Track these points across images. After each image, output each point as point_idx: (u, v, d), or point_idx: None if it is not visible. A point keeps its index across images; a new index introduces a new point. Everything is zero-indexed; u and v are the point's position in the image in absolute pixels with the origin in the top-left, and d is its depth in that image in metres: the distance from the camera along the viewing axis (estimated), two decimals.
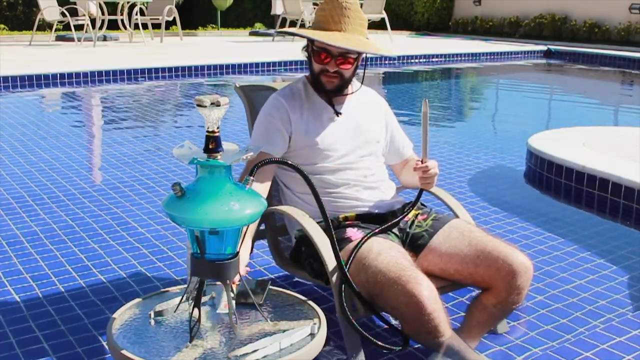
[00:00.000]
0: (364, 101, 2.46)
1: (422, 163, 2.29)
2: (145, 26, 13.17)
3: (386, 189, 2.40)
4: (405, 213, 2.30)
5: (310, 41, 2.29)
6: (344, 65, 2.26)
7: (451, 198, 2.55)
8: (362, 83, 2.48)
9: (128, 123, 6.54)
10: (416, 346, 2.26)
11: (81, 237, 3.30)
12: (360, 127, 2.38)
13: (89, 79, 8.70)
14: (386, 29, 14.10)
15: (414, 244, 2.28)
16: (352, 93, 2.41)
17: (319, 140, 2.30)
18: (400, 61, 11.66)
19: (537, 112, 7.98)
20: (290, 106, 2.33)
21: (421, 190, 2.36)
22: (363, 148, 2.37)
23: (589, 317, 2.59)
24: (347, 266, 2.04)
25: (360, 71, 2.40)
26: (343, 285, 2.02)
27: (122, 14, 12.97)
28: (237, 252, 1.67)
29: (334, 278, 2.04)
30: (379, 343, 2.01)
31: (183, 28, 14.20)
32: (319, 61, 2.27)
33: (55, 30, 13.06)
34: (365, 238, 2.12)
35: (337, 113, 2.36)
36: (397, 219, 2.27)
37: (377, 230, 2.18)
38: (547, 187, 4.44)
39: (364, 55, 2.37)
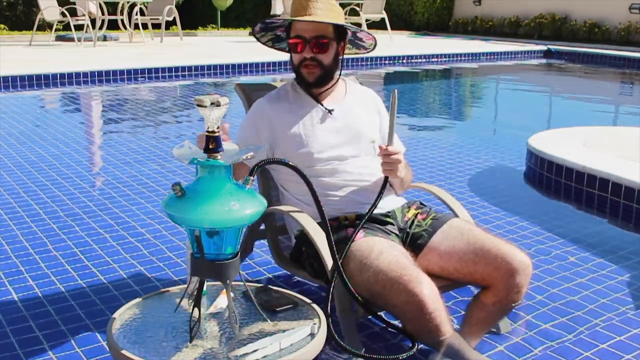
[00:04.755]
0: (357, 98, 2.44)
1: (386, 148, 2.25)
2: (145, 26, 13.18)
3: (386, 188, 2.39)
4: (375, 203, 2.23)
5: (287, 37, 2.30)
6: (320, 50, 2.25)
7: (451, 198, 2.56)
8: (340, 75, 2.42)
9: (128, 123, 6.54)
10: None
11: (81, 237, 3.30)
12: (355, 126, 2.36)
13: (89, 79, 8.71)
14: (386, 29, 14.10)
15: (414, 244, 2.28)
16: (335, 82, 2.37)
17: (311, 143, 2.28)
18: (401, 61, 11.66)
19: (537, 112, 7.98)
20: (274, 110, 2.31)
21: (386, 178, 2.27)
22: (358, 147, 2.35)
23: (589, 316, 2.59)
24: (341, 259, 2.03)
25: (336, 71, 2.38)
26: (333, 291, 2.00)
27: (122, 14, 12.98)
28: (237, 252, 1.67)
29: (335, 280, 2.03)
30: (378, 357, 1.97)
31: (183, 28, 14.21)
32: (295, 50, 2.27)
33: (55, 30, 13.07)
34: (356, 232, 2.12)
35: (329, 111, 2.34)
36: (368, 211, 2.20)
37: (357, 231, 2.14)
38: (547, 187, 4.44)
39: (345, 56, 2.35)
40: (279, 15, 14.34)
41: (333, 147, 2.31)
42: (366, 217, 2.19)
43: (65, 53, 10.90)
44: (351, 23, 14.58)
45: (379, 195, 2.25)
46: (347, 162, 2.32)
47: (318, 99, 2.36)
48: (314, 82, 2.31)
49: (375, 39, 2.43)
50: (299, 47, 2.25)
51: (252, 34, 2.34)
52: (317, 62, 2.27)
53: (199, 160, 1.58)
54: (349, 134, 2.34)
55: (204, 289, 1.70)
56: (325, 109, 2.34)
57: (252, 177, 1.68)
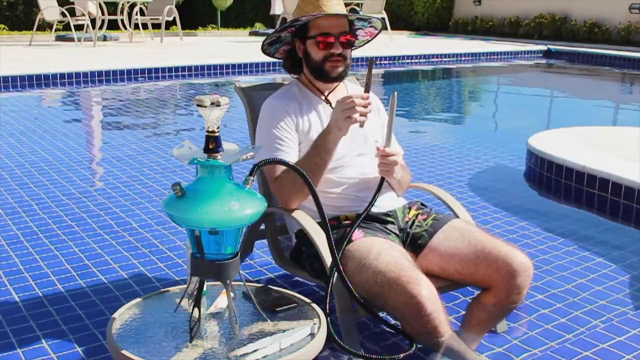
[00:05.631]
0: None
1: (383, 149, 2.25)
2: (145, 26, 13.17)
3: (385, 188, 2.39)
4: (371, 202, 2.23)
5: (304, 36, 2.29)
6: (346, 44, 2.29)
7: (451, 198, 2.56)
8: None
9: (128, 123, 6.54)
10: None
11: (81, 237, 3.30)
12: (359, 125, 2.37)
13: (89, 79, 8.70)
14: (386, 29, 14.10)
15: (414, 244, 2.28)
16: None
17: None
18: (400, 61, 11.66)
19: (537, 112, 7.98)
20: (289, 108, 2.32)
21: (382, 179, 2.27)
22: (362, 146, 2.36)
23: (589, 316, 2.59)
24: (339, 254, 2.03)
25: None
26: (331, 290, 2.00)
27: (122, 14, 12.98)
28: (237, 252, 1.67)
29: (334, 278, 2.03)
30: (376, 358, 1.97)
31: (183, 28, 14.21)
32: (322, 47, 2.27)
33: (55, 30, 13.06)
34: (352, 230, 2.12)
35: None
36: (365, 210, 2.21)
37: (353, 229, 2.14)
38: (547, 187, 4.44)
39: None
40: (278, 15, 14.34)
41: (342, 145, 2.31)
42: (363, 215, 2.19)
43: (65, 53, 10.90)
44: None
45: (375, 195, 2.25)
46: (352, 160, 2.33)
47: (327, 99, 2.36)
48: (337, 76, 2.33)
49: (374, 35, 2.44)
50: (328, 42, 2.26)
51: (275, 31, 2.34)
52: (342, 57, 2.30)
53: (199, 160, 1.58)
54: (355, 132, 2.34)
55: (204, 289, 1.70)
56: (332, 108, 2.34)
57: (252, 177, 1.68)
